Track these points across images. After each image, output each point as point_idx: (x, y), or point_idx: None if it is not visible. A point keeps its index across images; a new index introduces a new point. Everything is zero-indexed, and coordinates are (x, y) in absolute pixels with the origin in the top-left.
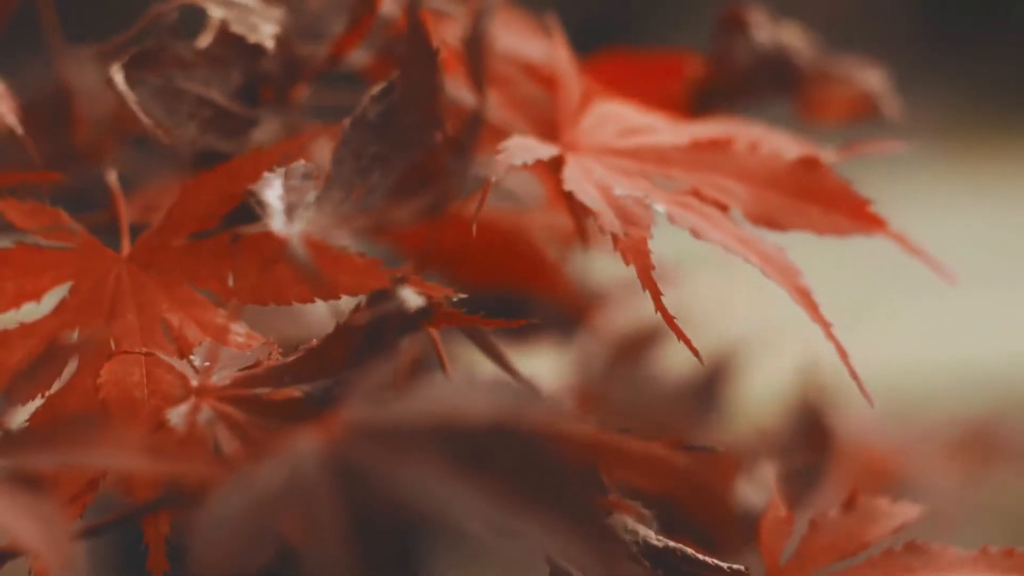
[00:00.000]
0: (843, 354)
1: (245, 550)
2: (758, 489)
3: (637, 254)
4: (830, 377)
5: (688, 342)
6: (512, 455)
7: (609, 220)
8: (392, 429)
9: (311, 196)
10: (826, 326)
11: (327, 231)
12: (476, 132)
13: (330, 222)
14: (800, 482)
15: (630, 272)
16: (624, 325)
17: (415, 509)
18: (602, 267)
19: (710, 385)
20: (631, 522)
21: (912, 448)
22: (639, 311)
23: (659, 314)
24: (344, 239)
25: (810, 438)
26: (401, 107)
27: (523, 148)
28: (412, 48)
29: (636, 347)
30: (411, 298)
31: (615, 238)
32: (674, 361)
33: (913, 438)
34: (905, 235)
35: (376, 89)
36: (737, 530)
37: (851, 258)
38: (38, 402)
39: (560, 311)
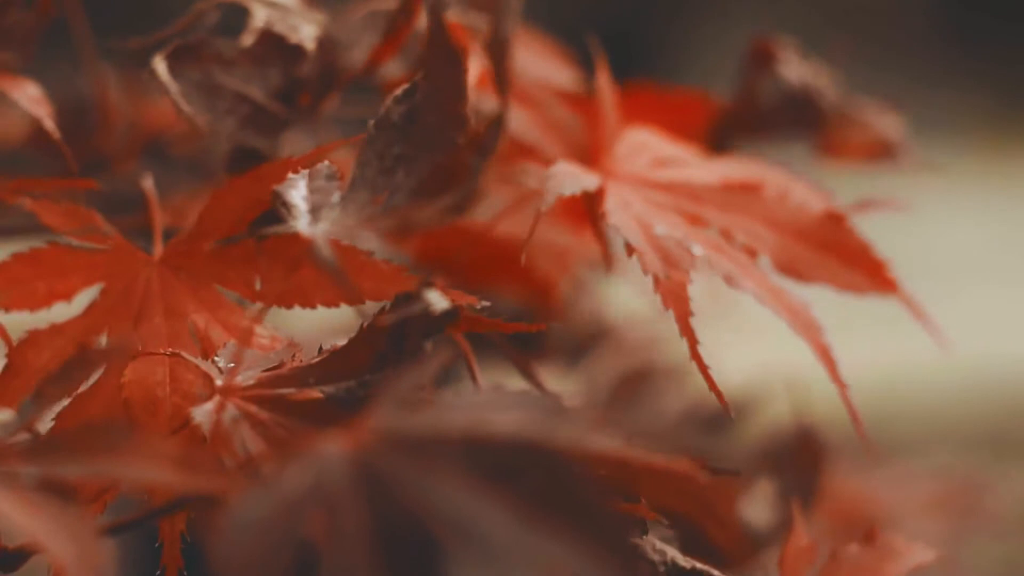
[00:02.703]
0: (857, 421)
1: (269, 553)
2: (758, 506)
3: (677, 299)
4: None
5: (718, 391)
6: (539, 471)
7: (651, 261)
8: (420, 439)
9: (336, 197)
10: (843, 387)
11: (352, 231)
12: (498, 133)
13: (355, 223)
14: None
15: (638, 304)
16: (629, 359)
17: (440, 521)
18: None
19: (716, 416)
20: (658, 543)
21: (893, 498)
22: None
23: (694, 361)
24: (369, 240)
25: (802, 456)
26: (425, 107)
27: (569, 176)
28: (435, 48)
29: (642, 379)
30: (437, 300)
31: (656, 280)
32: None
33: (894, 487)
34: (913, 299)
35: (400, 90)
36: (744, 548)
37: None
38: (64, 402)
39: (566, 338)
